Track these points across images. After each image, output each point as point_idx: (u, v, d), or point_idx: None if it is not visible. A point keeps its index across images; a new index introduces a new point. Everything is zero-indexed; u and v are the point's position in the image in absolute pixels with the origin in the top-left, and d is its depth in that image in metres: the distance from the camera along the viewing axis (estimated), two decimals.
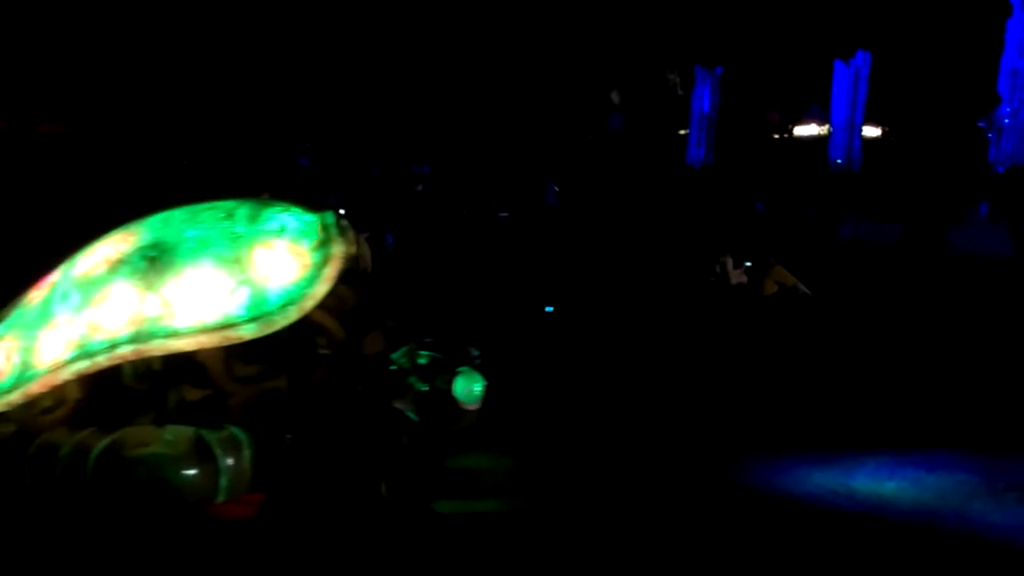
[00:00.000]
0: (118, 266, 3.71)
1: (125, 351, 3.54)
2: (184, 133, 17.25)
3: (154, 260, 3.65)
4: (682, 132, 23.16)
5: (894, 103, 20.05)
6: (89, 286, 3.72)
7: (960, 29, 18.85)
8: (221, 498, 3.48)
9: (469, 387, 3.77)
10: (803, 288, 8.35)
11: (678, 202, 15.55)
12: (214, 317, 3.49)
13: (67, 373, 3.60)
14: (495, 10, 20.79)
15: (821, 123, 22.38)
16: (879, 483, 4.23)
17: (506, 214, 14.06)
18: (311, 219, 3.71)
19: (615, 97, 22.56)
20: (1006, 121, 18.82)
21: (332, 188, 10.54)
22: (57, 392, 3.70)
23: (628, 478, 4.36)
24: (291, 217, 3.74)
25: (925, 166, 14.90)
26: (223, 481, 3.43)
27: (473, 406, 3.80)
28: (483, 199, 14.23)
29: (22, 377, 3.68)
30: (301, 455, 3.62)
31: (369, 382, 3.79)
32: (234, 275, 3.55)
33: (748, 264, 8.69)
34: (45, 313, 3.78)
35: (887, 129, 21.63)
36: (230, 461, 3.45)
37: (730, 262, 8.74)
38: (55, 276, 4.00)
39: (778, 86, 21.84)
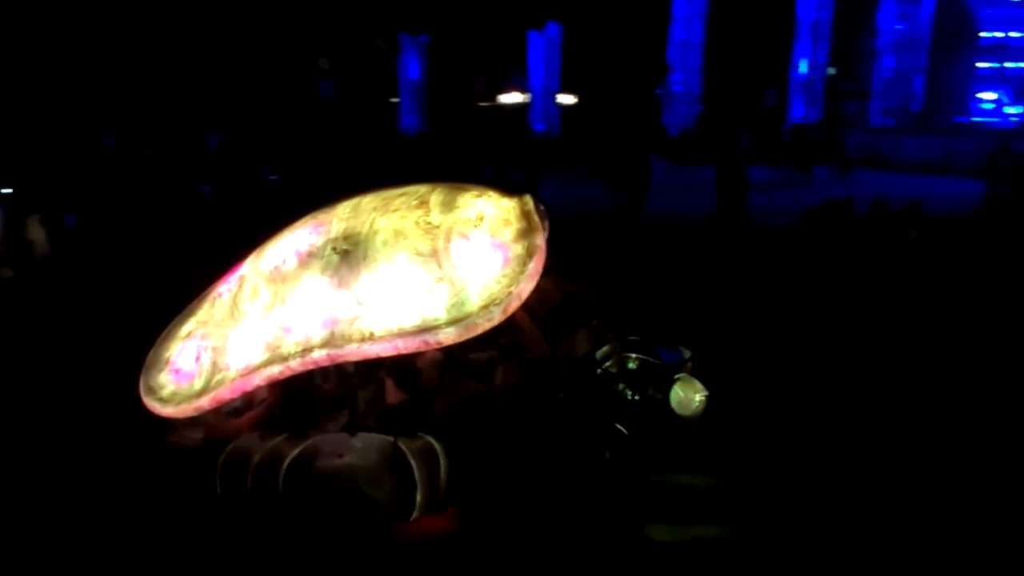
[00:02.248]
0: (309, 260, 3.33)
1: (319, 355, 3.15)
2: None
3: (346, 254, 3.26)
4: (394, 100, 23.33)
5: (585, 72, 21.71)
6: (279, 282, 3.34)
7: (636, 2, 20.79)
8: (416, 514, 3.13)
9: (688, 397, 3.31)
10: None
11: (394, 169, 15.69)
12: (412, 319, 3.07)
13: (259, 378, 3.23)
14: None
15: (523, 91, 23.61)
16: None
17: (210, 187, 13.33)
18: (509, 205, 3.26)
19: (323, 63, 22.08)
20: (676, 88, 21.20)
21: None
22: (247, 393, 3.34)
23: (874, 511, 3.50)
24: (488, 204, 3.29)
25: (611, 130, 16.33)
26: (419, 496, 3.10)
27: (691, 418, 3.35)
28: (181, 172, 13.35)
29: (212, 380, 3.34)
30: (498, 469, 3.22)
31: (573, 389, 3.37)
32: (431, 271, 3.13)
33: None
34: (234, 310, 3.40)
35: (581, 96, 23.33)
36: (427, 474, 3.11)
37: None
38: (243, 269, 3.55)
39: (481, 55, 22.68)
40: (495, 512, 3.25)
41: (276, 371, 3.24)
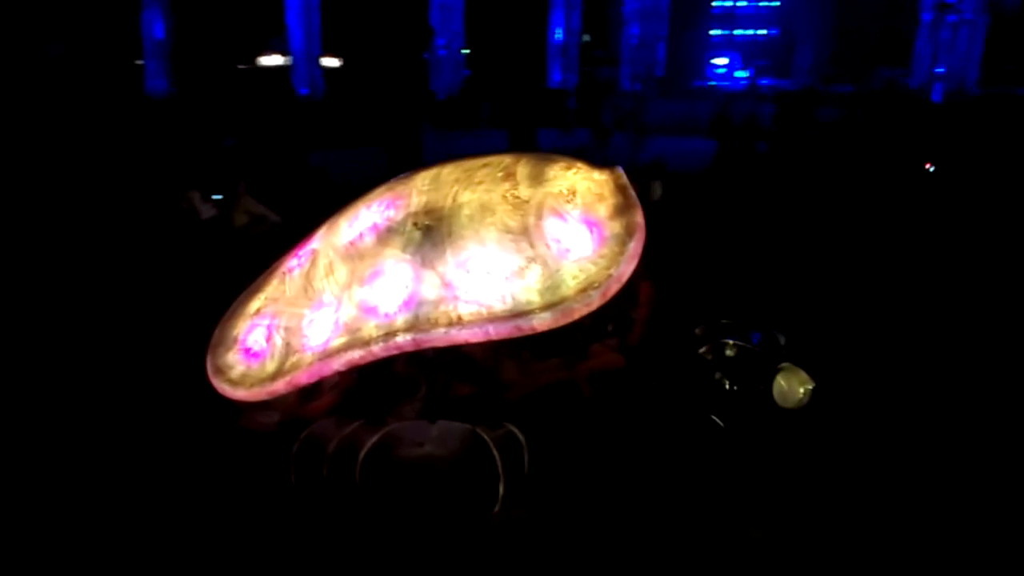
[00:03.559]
0: (388, 236, 3.12)
1: (403, 340, 2.91)
2: None
3: (429, 230, 3.04)
4: (139, 62, 21.55)
5: (348, 35, 21.22)
6: (356, 260, 3.14)
7: None
8: (498, 506, 2.94)
9: (792, 389, 3.02)
10: (274, 216, 8.56)
11: (138, 135, 14.54)
12: (503, 303, 2.80)
13: (339, 363, 3.00)
14: None
15: (284, 53, 22.69)
16: None
17: None
18: (602, 178, 2.99)
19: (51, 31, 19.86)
20: (442, 53, 21.33)
21: None
22: (324, 377, 3.16)
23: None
24: (579, 177, 3.00)
25: (379, 95, 16.16)
26: (502, 487, 2.91)
27: (794, 410, 3.06)
28: None
29: (286, 362, 3.10)
30: (581, 460, 3.05)
31: (665, 379, 3.20)
32: (522, 250, 2.87)
33: (217, 197, 8.57)
34: (307, 288, 3.22)
35: (344, 60, 22.82)
36: (509, 464, 2.93)
37: (197, 196, 8.52)
38: (314, 243, 3.38)
39: (233, 13, 21.44)
40: (578, 507, 3.00)
41: (357, 356, 2.99)
